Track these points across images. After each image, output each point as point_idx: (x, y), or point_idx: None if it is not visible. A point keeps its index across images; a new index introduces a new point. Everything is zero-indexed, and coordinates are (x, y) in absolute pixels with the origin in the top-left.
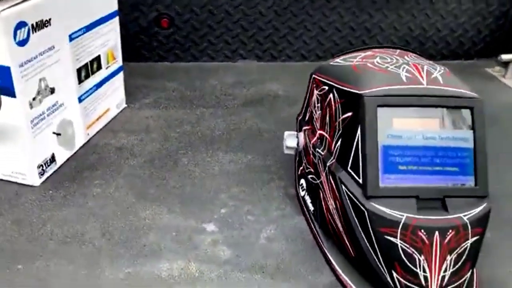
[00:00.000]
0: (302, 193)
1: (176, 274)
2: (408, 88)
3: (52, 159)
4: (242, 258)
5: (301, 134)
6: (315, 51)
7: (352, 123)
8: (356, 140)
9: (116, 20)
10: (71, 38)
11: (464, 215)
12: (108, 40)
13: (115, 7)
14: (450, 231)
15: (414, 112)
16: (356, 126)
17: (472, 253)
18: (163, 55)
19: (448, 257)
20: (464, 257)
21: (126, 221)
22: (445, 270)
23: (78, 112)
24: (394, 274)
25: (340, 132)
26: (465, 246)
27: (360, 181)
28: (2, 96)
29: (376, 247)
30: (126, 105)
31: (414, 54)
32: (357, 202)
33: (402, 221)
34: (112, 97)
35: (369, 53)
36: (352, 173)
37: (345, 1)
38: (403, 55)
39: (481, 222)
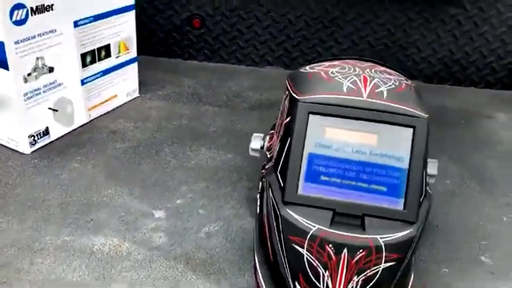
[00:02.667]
0: (257, 196)
1: (106, 250)
2: (344, 99)
3: (46, 132)
4: (174, 247)
5: (267, 137)
6: None
7: (288, 128)
8: (288, 145)
9: (131, 13)
10: (76, 24)
11: (381, 237)
12: (121, 31)
13: (131, 1)
14: (361, 250)
15: (351, 124)
16: (290, 131)
17: (386, 279)
18: (193, 54)
19: (355, 278)
20: (374, 281)
21: (86, 196)
22: None
23: (80, 94)
24: (297, 286)
25: (280, 136)
26: (377, 270)
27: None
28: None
29: (285, 254)
30: (138, 95)
31: (384, 68)
32: (276, 207)
33: (311, 232)
34: (122, 85)
35: (336, 62)
36: (279, 177)
37: (380, 16)
38: (367, 68)
39: (400, 248)
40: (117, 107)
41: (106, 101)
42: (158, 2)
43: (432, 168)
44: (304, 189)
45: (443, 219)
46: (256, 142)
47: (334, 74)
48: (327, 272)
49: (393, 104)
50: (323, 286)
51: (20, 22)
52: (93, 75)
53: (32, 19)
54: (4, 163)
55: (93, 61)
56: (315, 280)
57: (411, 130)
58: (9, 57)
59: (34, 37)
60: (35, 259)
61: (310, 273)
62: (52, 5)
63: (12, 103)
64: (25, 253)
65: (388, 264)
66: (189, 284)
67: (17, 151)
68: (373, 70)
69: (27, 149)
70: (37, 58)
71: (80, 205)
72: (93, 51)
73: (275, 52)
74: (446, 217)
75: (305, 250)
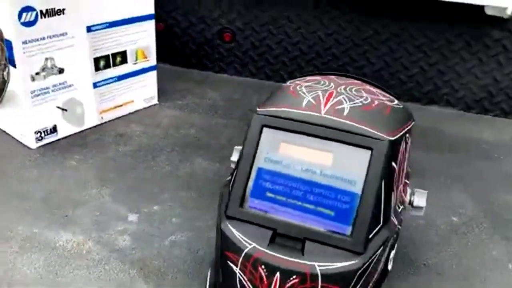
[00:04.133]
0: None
1: (68, 247)
2: (299, 113)
3: (54, 129)
4: (134, 252)
5: None
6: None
7: (244, 140)
8: (238, 157)
9: (151, 22)
10: (89, 29)
11: (319, 265)
12: (139, 39)
13: (150, 10)
14: (294, 277)
15: (307, 141)
16: (243, 144)
17: None
18: (223, 67)
19: None
20: None
21: (70, 193)
22: None
23: (92, 96)
24: None
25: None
26: None
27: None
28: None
29: (221, 271)
30: (157, 102)
31: (368, 86)
32: (219, 220)
33: (246, 250)
34: (139, 92)
35: (318, 77)
36: (230, 190)
37: (416, 38)
38: (343, 85)
39: (340, 280)
40: (133, 112)
41: (121, 105)
42: (192, 15)
43: (420, 199)
44: (249, 204)
45: (435, 257)
46: (236, 154)
47: (301, 88)
48: None
49: (350, 123)
50: None
51: (29, 24)
52: (106, 79)
53: (42, 21)
54: (9, 155)
55: (107, 66)
56: None
57: (368, 152)
58: (17, 55)
59: (43, 38)
60: (1, 247)
61: None
62: (64, 9)
63: (18, 99)
64: None
65: None
66: None
67: (25, 145)
68: (348, 88)
69: (33, 144)
70: (46, 59)
71: (61, 201)
72: (107, 56)
73: (304, 68)
74: (439, 256)
75: (238, 269)
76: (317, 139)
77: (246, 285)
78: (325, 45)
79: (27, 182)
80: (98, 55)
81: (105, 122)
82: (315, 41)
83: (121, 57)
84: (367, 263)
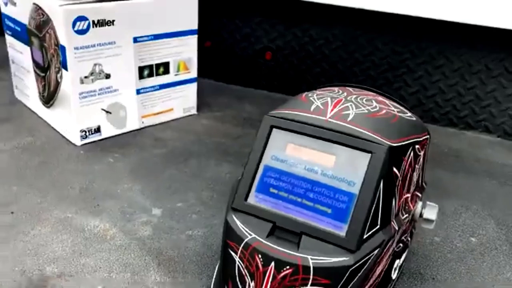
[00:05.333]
0: None
1: (95, 231)
2: (305, 116)
3: (98, 129)
4: (152, 241)
5: None
6: (413, 108)
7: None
8: (248, 155)
9: (193, 37)
10: (135, 40)
11: (312, 258)
12: (182, 52)
13: (194, 26)
14: (288, 267)
15: (312, 143)
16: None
17: None
18: (264, 84)
19: None
20: None
21: (104, 186)
22: None
23: (134, 102)
24: None
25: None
26: None
27: None
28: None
29: (222, 258)
30: (196, 112)
31: (382, 98)
32: (226, 212)
33: (246, 240)
34: (178, 101)
35: (335, 88)
36: (237, 185)
37: (453, 62)
38: (355, 95)
39: (331, 275)
40: (172, 120)
41: (161, 112)
42: (237, 33)
43: (430, 212)
44: (253, 198)
45: (446, 272)
46: None
47: (313, 95)
48: (253, 282)
49: (352, 127)
50: None
51: (81, 32)
52: (149, 87)
53: (93, 30)
54: (56, 149)
55: (150, 75)
56: None
57: (368, 155)
58: (69, 60)
59: (93, 46)
60: (36, 226)
61: (238, 281)
62: (114, 20)
63: (68, 99)
64: (32, 220)
65: None
66: (146, 275)
67: (71, 142)
68: (360, 97)
69: (78, 141)
70: (95, 64)
71: (95, 192)
72: (151, 66)
73: None
74: (449, 272)
75: (237, 257)
76: (321, 141)
77: (243, 272)
78: (361, 65)
79: (68, 174)
80: (143, 64)
81: (145, 127)
82: (352, 62)
83: (164, 67)
84: (360, 262)
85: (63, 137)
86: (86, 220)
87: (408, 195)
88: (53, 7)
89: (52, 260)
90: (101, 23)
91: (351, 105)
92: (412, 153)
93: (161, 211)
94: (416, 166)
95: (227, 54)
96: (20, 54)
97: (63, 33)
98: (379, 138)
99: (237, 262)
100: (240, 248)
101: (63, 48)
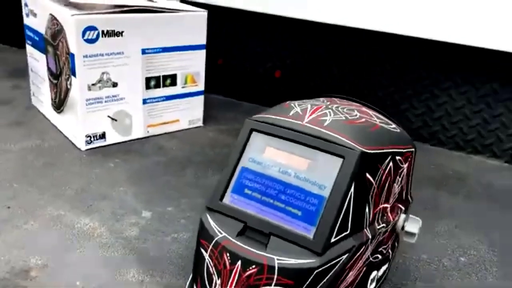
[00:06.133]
0: None
1: (83, 229)
2: (282, 120)
3: (102, 136)
4: (137, 241)
5: None
6: (420, 134)
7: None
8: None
9: (202, 52)
10: (143, 52)
11: (278, 259)
12: (190, 66)
13: (203, 41)
14: (254, 266)
15: (289, 146)
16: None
17: None
18: (271, 101)
19: None
20: None
21: (100, 188)
22: None
23: (140, 111)
24: None
25: None
26: None
27: None
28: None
29: (194, 256)
30: (202, 125)
31: (367, 109)
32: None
33: (216, 238)
34: (185, 112)
35: (322, 98)
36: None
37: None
38: (338, 104)
39: (295, 276)
40: (177, 131)
41: (167, 123)
42: (248, 50)
43: (412, 226)
44: (228, 199)
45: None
46: None
47: (295, 102)
48: (219, 280)
49: (326, 131)
50: None
51: (91, 41)
52: (155, 98)
53: (102, 40)
54: (61, 152)
55: (157, 86)
56: (208, 286)
57: (341, 160)
58: (78, 67)
59: (102, 54)
60: (29, 221)
61: (206, 278)
62: (123, 32)
63: (76, 106)
64: (26, 215)
65: None
66: (126, 273)
67: (76, 146)
68: (341, 106)
69: (82, 146)
70: (103, 73)
71: (91, 193)
72: (158, 77)
73: None
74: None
75: (207, 255)
76: (297, 145)
77: (211, 270)
78: (369, 86)
79: (69, 175)
80: (150, 75)
81: (150, 136)
82: (360, 82)
83: (171, 79)
84: (327, 266)
85: (70, 141)
86: (77, 218)
87: (387, 205)
88: (66, 16)
89: (38, 252)
90: (110, 33)
91: (329, 112)
92: (391, 164)
93: (151, 214)
94: (398, 178)
95: (237, 72)
96: (37, 62)
97: (74, 42)
98: (352, 144)
99: (206, 260)
100: (210, 247)
101: (72, 56)
